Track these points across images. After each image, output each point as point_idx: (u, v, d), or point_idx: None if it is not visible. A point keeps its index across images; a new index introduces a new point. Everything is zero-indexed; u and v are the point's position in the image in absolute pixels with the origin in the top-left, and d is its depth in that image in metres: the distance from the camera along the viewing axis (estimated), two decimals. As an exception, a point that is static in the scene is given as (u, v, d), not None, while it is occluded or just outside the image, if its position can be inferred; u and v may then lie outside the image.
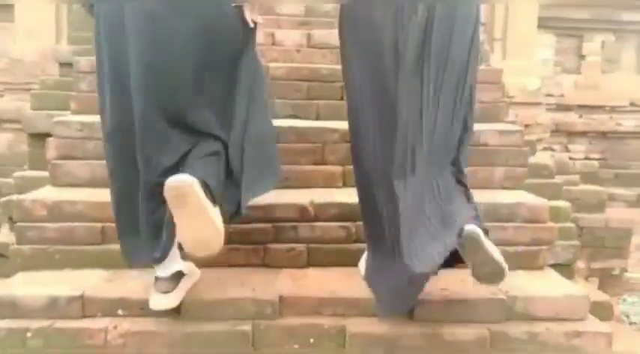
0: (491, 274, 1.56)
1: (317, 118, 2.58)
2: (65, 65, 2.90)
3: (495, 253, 1.55)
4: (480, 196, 2.17)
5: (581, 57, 5.84)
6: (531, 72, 4.85)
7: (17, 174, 2.62)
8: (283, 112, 2.58)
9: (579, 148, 5.70)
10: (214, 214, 1.55)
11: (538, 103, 4.75)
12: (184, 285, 1.77)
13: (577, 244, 2.68)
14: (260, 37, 2.72)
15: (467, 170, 1.79)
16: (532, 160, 2.66)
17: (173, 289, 1.70)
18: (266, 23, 2.95)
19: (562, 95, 5.68)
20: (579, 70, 5.86)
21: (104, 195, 2.06)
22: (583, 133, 5.67)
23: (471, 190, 1.90)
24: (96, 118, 2.32)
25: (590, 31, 5.75)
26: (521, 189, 2.35)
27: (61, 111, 2.66)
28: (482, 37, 3.87)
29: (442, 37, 1.56)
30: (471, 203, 1.72)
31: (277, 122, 2.41)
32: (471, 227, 1.55)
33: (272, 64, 2.65)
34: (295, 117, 2.57)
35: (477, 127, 2.42)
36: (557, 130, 5.52)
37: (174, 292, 1.70)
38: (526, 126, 4.64)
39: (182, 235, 1.55)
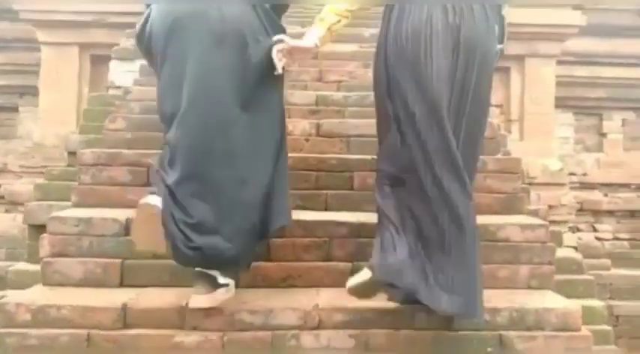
0: None
1: (325, 209, 2.41)
2: (73, 154, 2.83)
3: None
4: (503, 300, 1.95)
5: (602, 135, 5.67)
6: (551, 152, 4.67)
7: (14, 268, 2.48)
8: (291, 203, 2.40)
9: (607, 227, 5.38)
10: None
11: (561, 184, 4.52)
12: (221, 294, 1.79)
13: (616, 349, 2.37)
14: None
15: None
16: (559, 253, 2.41)
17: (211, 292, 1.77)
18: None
19: (585, 174, 5.45)
20: (601, 148, 5.67)
21: (93, 297, 1.92)
22: (610, 213, 5.37)
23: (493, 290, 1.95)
24: (94, 213, 2.23)
25: (609, 109, 5.61)
26: (549, 289, 2.10)
27: (64, 202, 2.55)
28: (497, 119, 3.74)
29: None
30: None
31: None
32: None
33: (279, 154, 2.53)
34: (303, 208, 2.40)
35: (496, 219, 2.24)
36: (582, 209, 5.25)
37: (213, 294, 1.77)
38: (550, 207, 4.39)
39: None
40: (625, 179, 5.46)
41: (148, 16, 1.87)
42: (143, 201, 1.80)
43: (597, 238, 5.24)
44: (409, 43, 1.72)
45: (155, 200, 1.78)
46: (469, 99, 1.76)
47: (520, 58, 4.75)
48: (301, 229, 2.15)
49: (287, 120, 2.78)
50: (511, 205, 2.40)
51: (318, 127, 2.79)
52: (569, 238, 4.26)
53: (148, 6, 1.89)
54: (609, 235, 5.28)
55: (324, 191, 2.45)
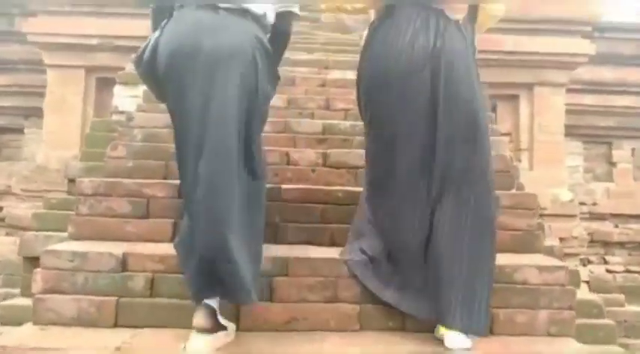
0: None
1: (331, 245, 2.27)
2: (73, 182, 2.72)
3: None
4: (522, 348, 1.81)
5: (612, 164, 5.54)
6: (562, 182, 4.54)
7: (6, 303, 2.35)
8: (296, 238, 2.29)
9: (618, 259, 5.21)
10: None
11: (572, 216, 4.37)
12: (221, 337, 1.75)
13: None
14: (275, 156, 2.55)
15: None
16: (577, 294, 2.27)
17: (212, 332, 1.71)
18: (281, 142, 2.78)
19: (595, 204, 5.31)
20: (610, 177, 5.54)
21: (85, 340, 1.78)
22: (621, 244, 5.21)
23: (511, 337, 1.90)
24: (90, 247, 2.11)
25: (618, 138, 5.50)
26: (570, 336, 1.95)
27: (63, 233, 2.43)
28: (507, 148, 3.61)
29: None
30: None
31: (286, 250, 2.14)
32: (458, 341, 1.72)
33: (284, 186, 2.40)
34: (308, 243, 2.28)
35: (512, 259, 2.10)
36: (592, 240, 5.09)
37: (212, 336, 1.71)
38: (561, 240, 4.25)
39: None
40: (635, 210, 5.31)
41: (148, 43, 1.87)
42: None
43: (608, 271, 5.07)
44: (392, 63, 1.81)
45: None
46: (460, 114, 1.79)
47: (529, 87, 4.66)
48: (306, 267, 2.02)
49: (293, 149, 2.73)
50: (527, 243, 2.26)
51: (324, 157, 2.67)
52: (580, 272, 4.10)
53: (156, 29, 1.88)
54: (620, 268, 5.11)
55: (330, 225, 2.32)
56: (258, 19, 1.86)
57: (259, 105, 1.84)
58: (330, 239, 2.28)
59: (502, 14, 2.04)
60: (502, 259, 2.10)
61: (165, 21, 1.86)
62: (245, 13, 1.82)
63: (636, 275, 5.01)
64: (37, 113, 4.94)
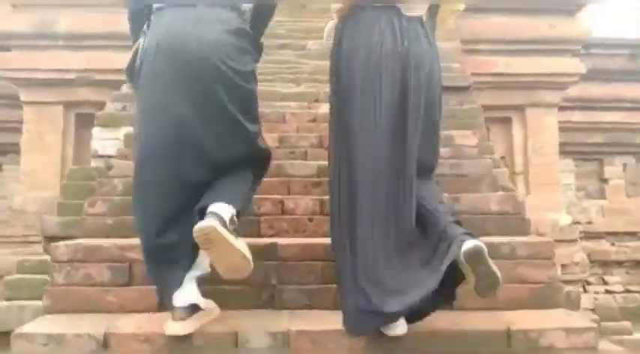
0: (491, 285, 1.63)
1: (335, 308, 2.01)
2: (49, 240, 2.44)
3: (494, 265, 1.62)
4: None
5: (604, 181, 5.41)
6: (560, 205, 4.35)
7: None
8: (296, 302, 2.04)
9: (617, 279, 5.05)
10: (240, 245, 1.69)
11: (573, 241, 4.18)
12: (200, 317, 1.76)
13: None
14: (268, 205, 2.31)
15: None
16: (600, 345, 2.05)
17: (187, 318, 1.71)
18: (274, 188, 2.54)
19: (590, 222, 5.16)
20: (603, 194, 5.40)
21: None
22: (619, 263, 5.06)
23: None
24: (68, 326, 1.84)
25: (609, 154, 5.37)
26: (602, 407, 1.73)
27: (38, 301, 2.16)
28: (503, 172, 3.41)
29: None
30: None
31: (286, 320, 1.89)
32: (473, 243, 1.62)
33: (281, 242, 2.16)
34: (309, 307, 2.03)
35: (535, 320, 1.88)
36: (591, 261, 4.92)
37: (188, 321, 1.71)
38: (562, 266, 4.07)
39: (217, 266, 1.72)
40: (630, 227, 5.18)
41: (136, 52, 1.86)
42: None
43: (607, 291, 4.91)
44: (360, 65, 1.79)
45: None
46: (420, 118, 1.79)
47: (521, 108, 4.50)
48: (309, 341, 1.78)
49: (287, 197, 2.50)
50: (547, 297, 2.04)
51: (322, 203, 2.43)
52: (584, 300, 3.92)
53: (136, 37, 1.89)
54: (620, 288, 4.95)
55: (333, 285, 2.07)
56: (236, 7, 1.87)
57: (240, 90, 1.82)
58: (334, 302, 2.03)
59: (462, 9, 2.08)
60: (523, 319, 1.89)
61: (145, 26, 1.85)
62: (224, 3, 1.83)
63: (636, 295, 4.85)
64: (15, 150, 4.65)
